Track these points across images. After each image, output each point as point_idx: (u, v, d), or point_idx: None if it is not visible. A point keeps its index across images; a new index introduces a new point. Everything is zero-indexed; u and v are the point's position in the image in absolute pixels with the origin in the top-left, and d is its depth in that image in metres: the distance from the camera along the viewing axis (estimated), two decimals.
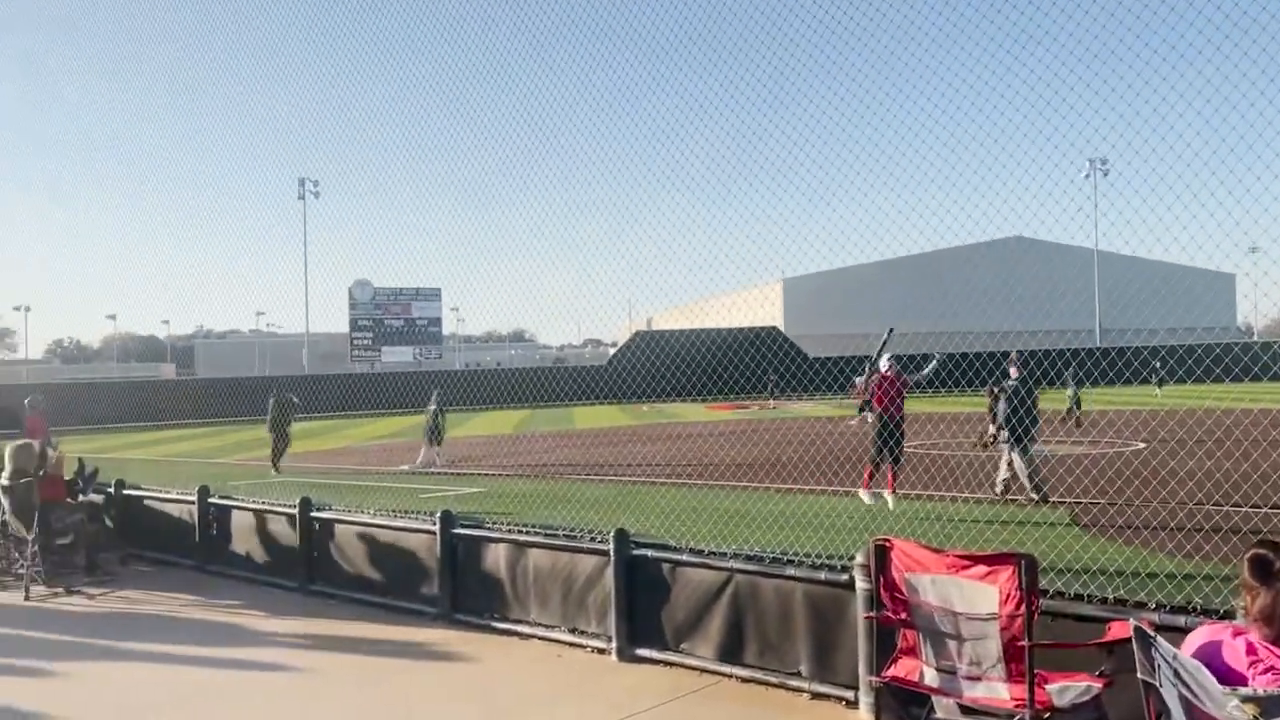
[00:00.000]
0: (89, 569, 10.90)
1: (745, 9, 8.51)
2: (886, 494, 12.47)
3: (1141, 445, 20.66)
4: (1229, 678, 3.01)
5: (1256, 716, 2.85)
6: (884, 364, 12.98)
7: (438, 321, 70.45)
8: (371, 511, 9.77)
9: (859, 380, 33.07)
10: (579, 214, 11.65)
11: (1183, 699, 3.03)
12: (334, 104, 13.90)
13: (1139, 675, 3.16)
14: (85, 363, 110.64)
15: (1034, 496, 12.96)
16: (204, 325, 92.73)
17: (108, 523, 11.84)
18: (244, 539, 10.79)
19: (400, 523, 9.22)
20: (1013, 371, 14.04)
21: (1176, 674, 3.04)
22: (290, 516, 10.07)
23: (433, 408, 22.26)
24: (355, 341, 68.93)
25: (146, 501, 12.22)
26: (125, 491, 12.42)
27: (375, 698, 6.70)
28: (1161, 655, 3.10)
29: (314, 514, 9.92)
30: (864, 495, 12.52)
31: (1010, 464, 13.30)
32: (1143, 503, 12.30)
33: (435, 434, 22.08)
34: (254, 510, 10.77)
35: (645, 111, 9.88)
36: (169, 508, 11.84)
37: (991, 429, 14.29)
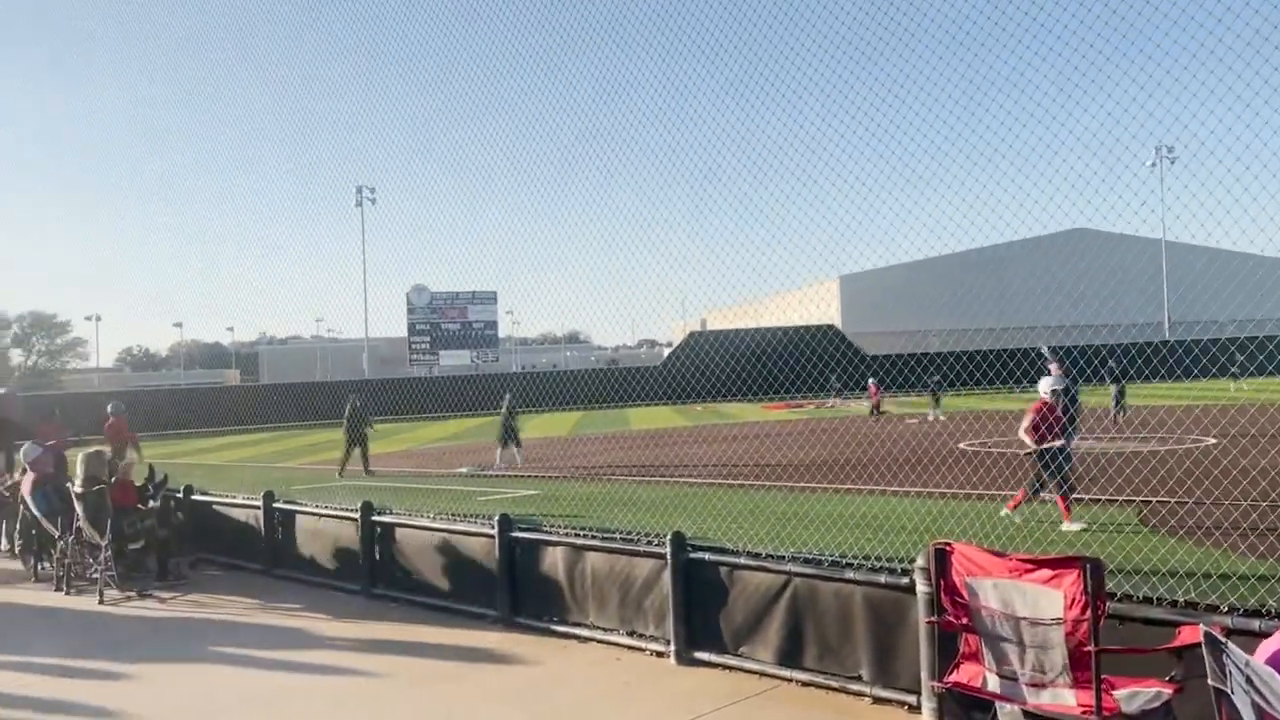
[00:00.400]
0: (160, 573, 11.22)
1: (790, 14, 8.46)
2: (1065, 524, 11.28)
3: (1213, 441, 20.09)
4: None
5: None
6: (1044, 390, 12.11)
7: (494, 325, 71.12)
8: (431, 515, 9.89)
9: (873, 381, 31.92)
10: (632, 215, 11.67)
11: (1255, 706, 2.94)
12: (390, 110, 14.12)
13: (1210, 682, 3.08)
14: (153, 370, 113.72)
15: (1035, 489, 12.34)
16: (266, 332, 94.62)
17: (178, 528, 12.15)
18: (308, 543, 11.01)
19: (460, 526, 9.33)
20: (1053, 369, 13.48)
21: (1249, 681, 2.96)
22: (352, 520, 10.25)
23: (505, 409, 22.56)
24: (413, 346, 69.86)
25: (215, 507, 12.53)
26: (194, 497, 12.75)
27: (436, 701, 6.79)
28: (1233, 662, 3.02)
29: (375, 518, 10.08)
30: (1009, 512, 11.58)
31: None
32: (1214, 502, 11.97)
33: (510, 435, 22.37)
34: (317, 515, 10.98)
35: (696, 112, 9.86)
36: (236, 513, 12.12)
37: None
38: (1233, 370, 41.49)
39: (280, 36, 15.44)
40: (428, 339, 69.50)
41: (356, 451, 21.84)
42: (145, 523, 11.12)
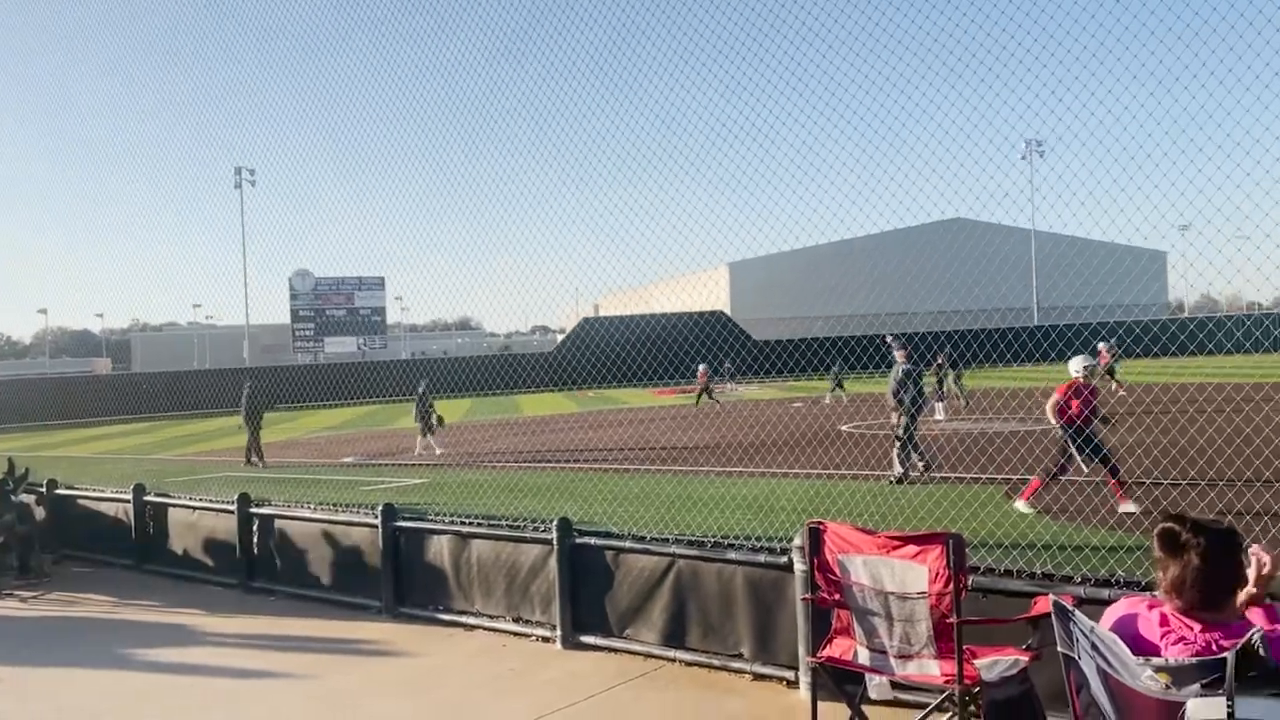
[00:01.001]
0: (21, 570, 10.66)
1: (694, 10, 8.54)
2: (1123, 506, 10.83)
3: None
4: (1143, 648, 3.11)
5: (1169, 685, 2.95)
6: (1075, 369, 11.66)
7: (381, 311, 69.66)
8: (312, 506, 9.66)
9: (702, 367, 32.22)
10: (525, 202, 11.60)
11: (1100, 670, 3.12)
12: (272, 89, 13.65)
13: (1059, 649, 3.26)
14: (16, 358, 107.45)
15: (898, 474, 13.63)
16: (140, 319, 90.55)
17: (40, 523, 11.54)
18: (182, 537, 10.61)
19: (342, 517, 9.14)
20: (898, 356, 14.27)
21: (1094, 646, 3.14)
22: (229, 513, 9.92)
23: (420, 396, 22.29)
24: (297, 332, 67.88)
25: (81, 501, 11.96)
26: (58, 491, 12.14)
27: (318, 693, 6.66)
28: (1080, 629, 3.20)
29: (253, 510, 9.78)
30: (1022, 505, 11.06)
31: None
32: (1068, 479, 12.63)
33: (427, 422, 22.07)
34: (191, 508, 10.59)
35: (590, 99, 9.85)
36: (104, 507, 11.59)
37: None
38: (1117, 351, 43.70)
39: (158, 12, 14.73)
40: (312, 325, 67.64)
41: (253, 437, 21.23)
42: (4, 518, 10.53)
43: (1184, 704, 2.87)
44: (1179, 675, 2.93)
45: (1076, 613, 3.25)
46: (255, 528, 9.74)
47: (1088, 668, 3.15)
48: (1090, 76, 6.31)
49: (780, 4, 7.74)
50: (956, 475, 13.53)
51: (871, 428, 22.26)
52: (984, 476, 13.05)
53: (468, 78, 10.96)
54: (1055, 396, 11.43)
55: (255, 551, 9.74)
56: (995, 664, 4.50)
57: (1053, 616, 3.33)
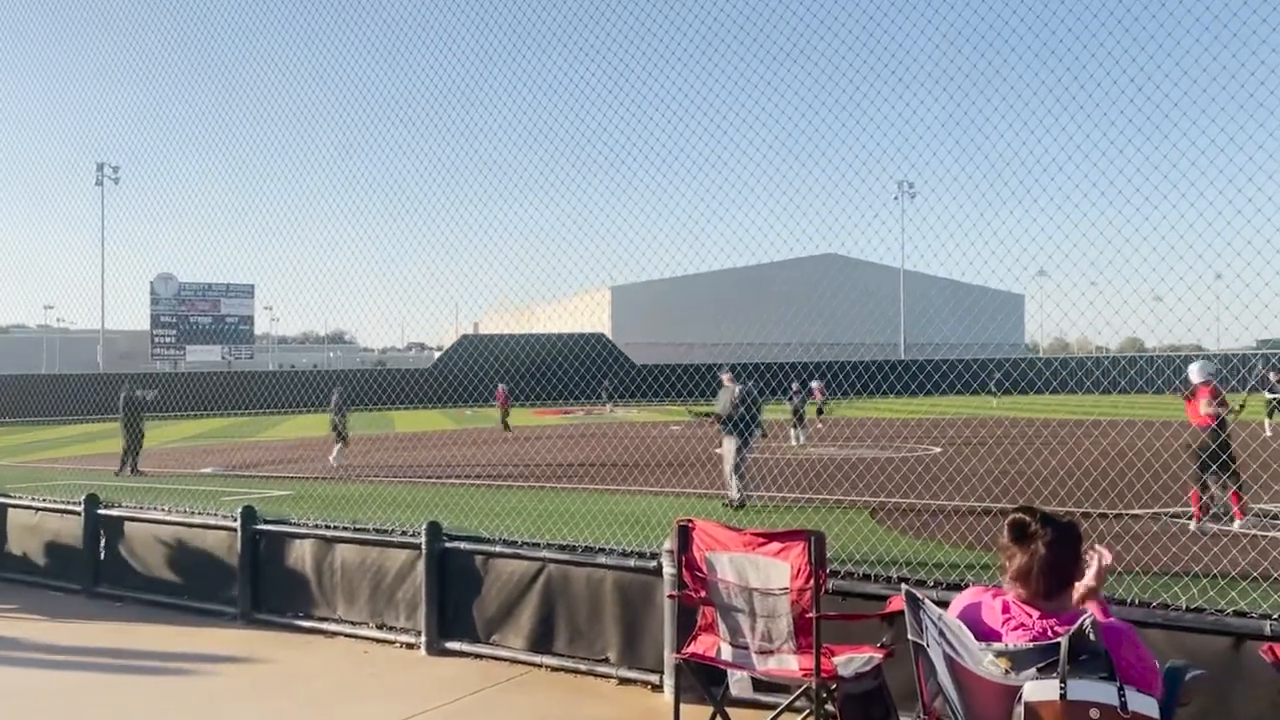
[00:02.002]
0: None
1: (574, 18, 8.62)
2: (1237, 522, 10.79)
3: (938, 450, 22.11)
4: (986, 634, 3.28)
5: (1008, 669, 3.12)
6: (1196, 374, 11.21)
7: (249, 320, 67.20)
8: (166, 509, 9.24)
9: (502, 387, 31.16)
10: (403, 214, 11.43)
11: (946, 657, 3.28)
12: (138, 81, 13.08)
13: (909, 637, 3.40)
14: None
15: (734, 498, 13.53)
16: None
17: None
18: (21, 539, 9.98)
19: (198, 520, 8.76)
20: (724, 379, 14.21)
21: (941, 633, 3.29)
22: (75, 514, 9.39)
23: (334, 406, 21.94)
24: (156, 339, 64.79)
25: None
26: None
27: (164, 699, 6.35)
28: (929, 616, 3.35)
29: (101, 511, 9.28)
30: (1194, 526, 10.82)
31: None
32: (931, 497, 13.20)
33: (341, 432, 21.72)
34: (34, 508, 9.97)
35: (475, 110, 9.81)
36: None
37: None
38: (995, 385, 45.88)
39: None
40: (174, 332, 64.69)
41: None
42: None
43: (1020, 688, 3.04)
44: (1017, 659, 3.11)
45: (926, 601, 3.41)
46: (103, 530, 9.24)
47: (935, 655, 3.30)
48: (961, 120, 6.66)
49: (665, 32, 7.92)
50: (821, 497, 13.93)
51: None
52: (847, 499, 13.49)
53: (348, 79, 10.78)
54: (1205, 402, 10.90)
55: (103, 555, 9.23)
56: (851, 660, 4.66)
57: (904, 605, 3.48)
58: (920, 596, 3.47)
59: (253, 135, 11.74)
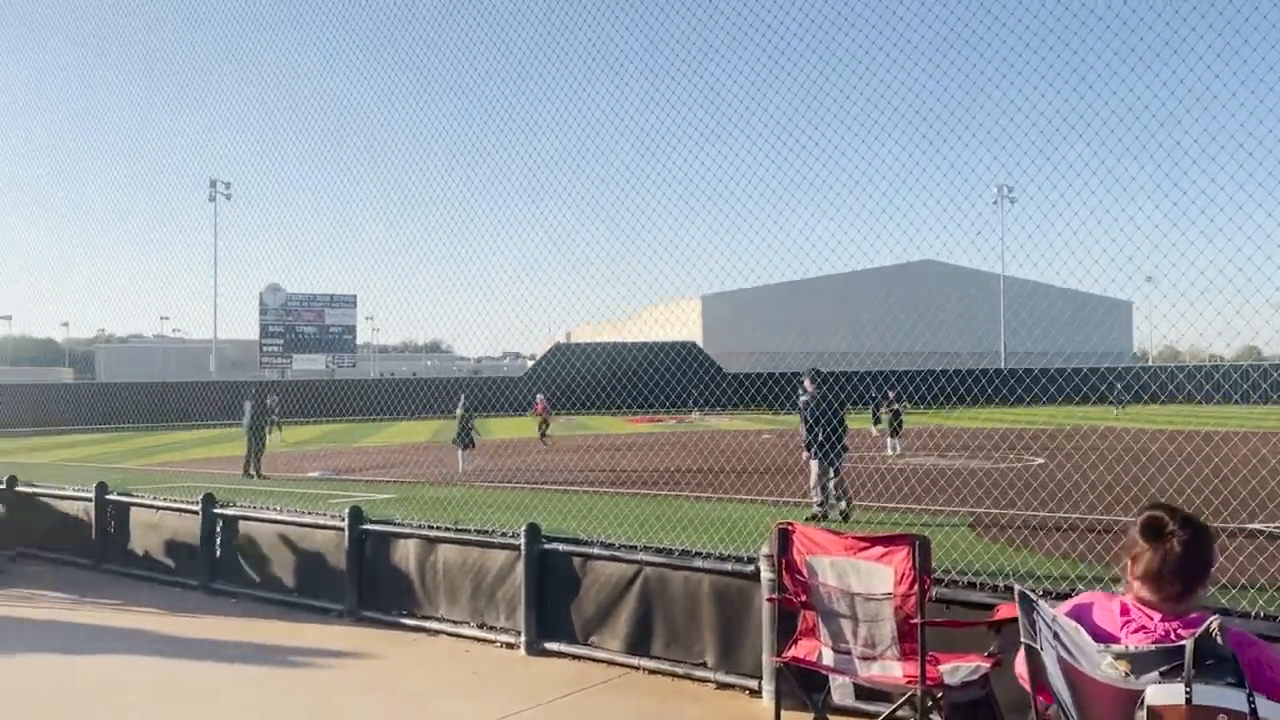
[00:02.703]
0: None
1: (660, 30, 8.69)
2: None
3: (1040, 461, 21.45)
4: (1102, 638, 3.18)
5: (1129, 673, 3.01)
6: None
7: (352, 329, 69.18)
8: (278, 508, 9.59)
9: (541, 397, 30.49)
10: (500, 227, 11.66)
11: (1060, 660, 3.19)
12: (251, 100, 13.64)
13: (1022, 640, 3.32)
14: None
15: (816, 512, 12.89)
16: (105, 329, 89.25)
17: None
18: (143, 537, 10.48)
19: (307, 519, 9.08)
20: (807, 385, 13.55)
21: (1055, 635, 3.20)
22: (193, 513, 9.82)
23: (460, 413, 22.41)
24: (265, 348, 67.22)
25: (40, 499, 11.77)
26: (18, 488, 11.95)
27: (277, 693, 6.59)
28: (1042, 618, 3.26)
29: (217, 511, 9.69)
30: None
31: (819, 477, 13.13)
32: (1033, 510, 12.81)
33: (466, 439, 22.17)
34: (155, 507, 10.46)
35: (567, 126, 9.95)
36: (64, 505, 11.42)
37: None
38: (1115, 396, 44.32)
39: (129, 15, 14.71)
40: (281, 341, 67.02)
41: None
42: None
43: (1141, 692, 2.93)
44: (1138, 662, 3.00)
45: (1040, 602, 3.32)
46: (219, 529, 9.64)
47: (1048, 658, 3.21)
48: (1062, 123, 6.47)
49: (765, 46, 7.90)
50: (919, 508, 13.66)
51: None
52: (946, 510, 13.20)
53: (452, 100, 11.06)
54: None
55: (218, 553, 9.63)
56: (957, 669, 4.57)
57: (1017, 606, 3.40)
58: (1034, 597, 3.38)
59: (359, 152, 12.14)
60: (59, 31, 15.50)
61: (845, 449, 13.33)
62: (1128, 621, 3.18)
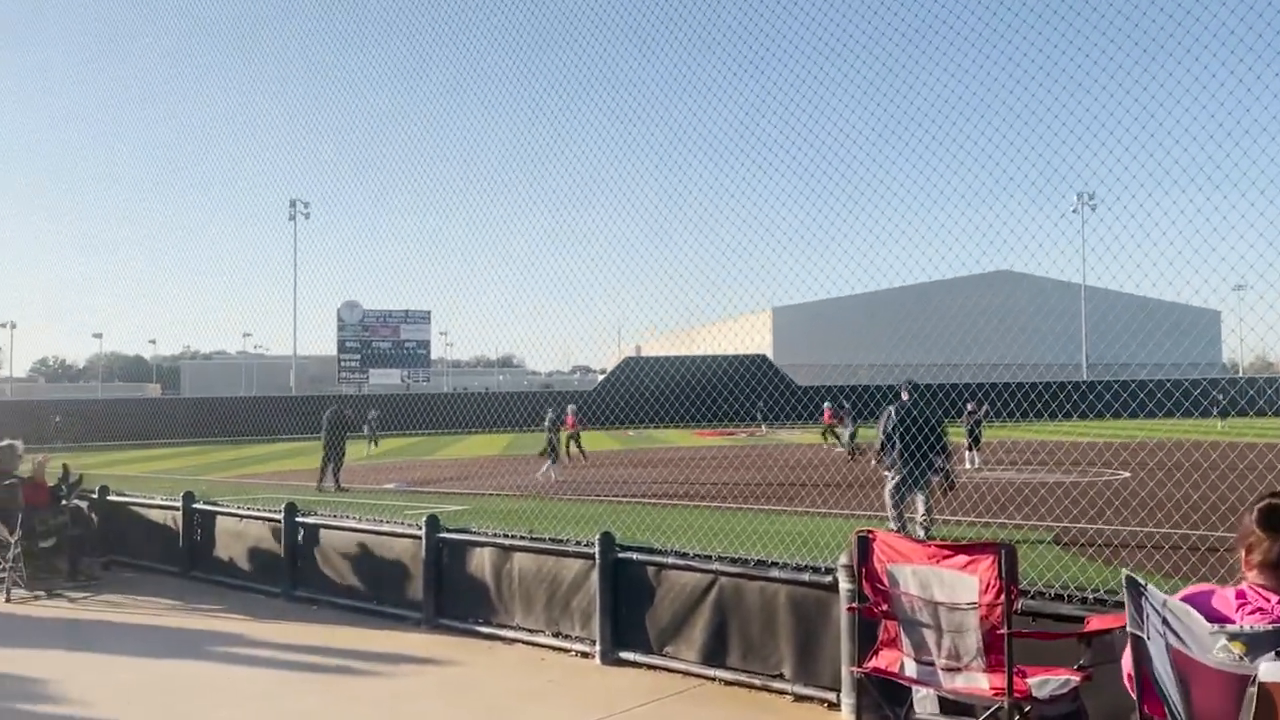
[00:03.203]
0: (71, 573, 10.85)
1: (734, 41, 8.66)
2: None
3: (1127, 474, 20.78)
4: (1218, 620, 3.07)
5: (1242, 656, 2.90)
6: None
7: (426, 345, 70.34)
8: (357, 517, 9.77)
9: (571, 409, 30.43)
10: (570, 241, 11.73)
11: (1169, 649, 3.07)
12: (328, 120, 13.99)
13: (1128, 629, 3.21)
14: (70, 381, 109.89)
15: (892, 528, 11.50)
16: (190, 346, 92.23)
17: (91, 527, 11.77)
18: (228, 545, 10.76)
19: (386, 528, 9.22)
20: (903, 395, 12.32)
21: (1165, 621, 3.09)
22: (274, 522, 10.05)
23: (549, 424, 23.26)
24: (343, 363, 68.73)
25: (131, 507, 12.18)
26: (110, 498, 12.38)
27: (356, 698, 6.69)
28: (1151, 604, 3.15)
29: (299, 519, 9.90)
30: None
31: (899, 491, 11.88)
32: (1121, 523, 12.40)
33: (554, 450, 22.91)
34: (238, 516, 10.75)
35: (637, 141, 9.99)
36: (153, 514, 11.80)
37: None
38: (1219, 410, 42.93)
39: (212, 41, 15.24)
40: (358, 357, 68.46)
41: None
42: (57, 519, 10.75)
43: (1250, 675, 2.82)
44: (1254, 642, 2.89)
45: (1150, 587, 3.21)
46: (300, 537, 9.85)
47: (1156, 647, 3.10)
48: (1140, 129, 6.26)
49: (831, 57, 7.82)
50: (999, 521, 13.33)
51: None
52: (1028, 524, 12.85)
53: (506, 122, 11.21)
54: None
55: (299, 561, 9.84)
56: (1046, 682, 4.43)
57: (1124, 591, 3.28)
58: (1142, 582, 3.27)
59: (434, 173, 12.32)
60: (154, 63, 16.10)
61: (941, 469, 11.99)
62: (1244, 604, 3.08)
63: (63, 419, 46.30)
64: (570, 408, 29.30)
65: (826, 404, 32.63)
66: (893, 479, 11.73)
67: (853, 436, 25.95)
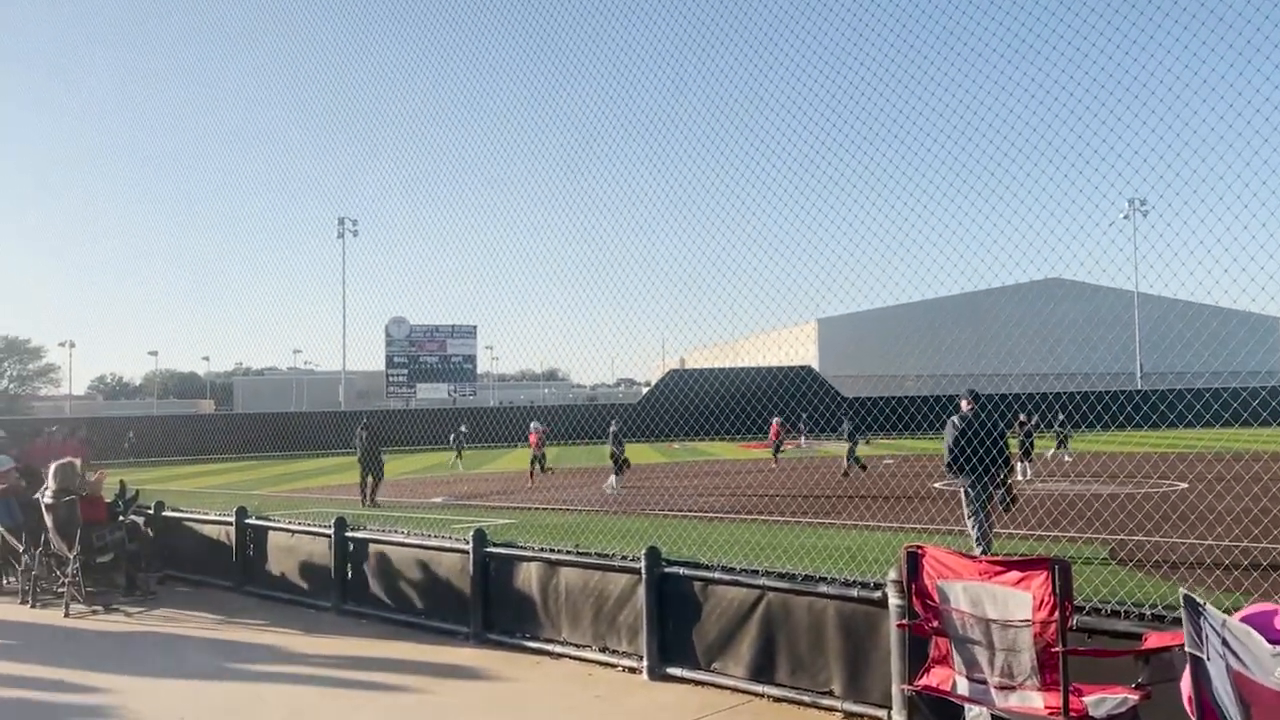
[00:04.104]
0: (128, 588, 11.06)
1: (778, 54, 8.64)
2: None
3: (1184, 486, 20.30)
4: (1278, 642, 2.99)
5: None
6: None
7: (472, 359, 70.99)
8: (406, 532, 9.85)
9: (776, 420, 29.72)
10: (613, 254, 11.77)
11: (1230, 670, 3.00)
12: (374, 141, 14.21)
13: (1187, 649, 3.14)
14: (127, 399, 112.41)
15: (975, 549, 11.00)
16: (242, 363, 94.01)
17: (147, 543, 12.00)
18: (280, 560, 10.91)
19: (434, 542, 9.29)
20: (964, 405, 11.85)
21: (1225, 643, 3.02)
22: (325, 537, 10.17)
23: (612, 437, 23.85)
24: (390, 378, 69.55)
25: (185, 523, 12.40)
26: (165, 513, 12.62)
27: (405, 713, 6.73)
28: (1211, 624, 3.09)
29: (348, 534, 10.02)
30: None
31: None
32: (1179, 536, 12.11)
33: (618, 462, 23.46)
34: (290, 531, 10.90)
35: (679, 151, 9.99)
36: (207, 529, 12.00)
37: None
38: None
39: (263, 60, 15.56)
40: (405, 372, 69.27)
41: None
42: (114, 535, 10.97)
43: None
44: None
45: (1208, 607, 3.14)
46: (350, 551, 9.96)
47: (1215, 669, 3.03)
48: (1192, 134, 6.13)
49: (875, 57, 7.76)
50: (1054, 534, 13.08)
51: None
52: (1083, 537, 12.60)
53: (555, 140, 11.29)
54: None
55: (349, 575, 9.95)
56: (1103, 701, 4.33)
57: (1183, 611, 3.21)
58: (1201, 602, 3.19)
59: (481, 195, 12.47)
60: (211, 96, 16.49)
61: (1009, 488, 11.59)
62: None
63: (135, 436, 47.50)
64: (534, 424, 27.51)
65: (775, 419, 31.73)
66: (967, 493, 11.26)
67: (852, 451, 25.60)
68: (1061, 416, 29.83)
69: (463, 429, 35.84)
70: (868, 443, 26.70)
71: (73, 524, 10.48)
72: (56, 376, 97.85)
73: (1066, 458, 28.53)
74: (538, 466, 26.17)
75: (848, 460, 25.46)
